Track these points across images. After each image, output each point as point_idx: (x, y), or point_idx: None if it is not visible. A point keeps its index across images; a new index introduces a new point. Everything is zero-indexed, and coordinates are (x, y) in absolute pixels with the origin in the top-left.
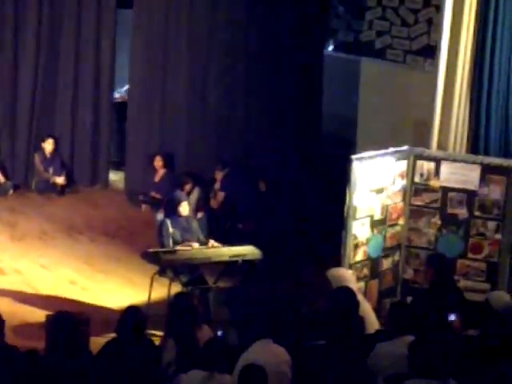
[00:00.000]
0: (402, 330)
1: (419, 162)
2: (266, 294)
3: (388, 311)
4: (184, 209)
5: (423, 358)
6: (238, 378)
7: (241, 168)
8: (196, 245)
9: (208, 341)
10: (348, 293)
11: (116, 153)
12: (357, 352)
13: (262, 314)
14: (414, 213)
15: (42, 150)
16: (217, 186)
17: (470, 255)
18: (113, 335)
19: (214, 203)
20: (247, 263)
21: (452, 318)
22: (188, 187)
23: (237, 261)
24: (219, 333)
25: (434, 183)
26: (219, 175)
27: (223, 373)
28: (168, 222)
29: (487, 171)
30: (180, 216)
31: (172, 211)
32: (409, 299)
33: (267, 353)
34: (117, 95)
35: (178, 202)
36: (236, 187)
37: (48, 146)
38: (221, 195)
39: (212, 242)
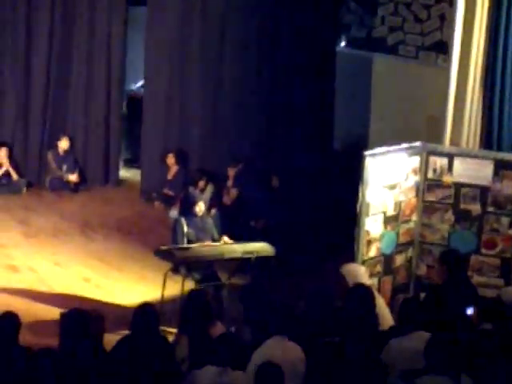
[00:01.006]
0: (412, 326)
1: (432, 158)
2: (279, 291)
3: (399, 307)
4: (200, 209)
5: (440, 354)
6: (254, 376)
7: (253, 165)
8: (210, 243)
9: (219, 336)
10: (365, 290)
11: (129, 150)
12: (371, 349)
13: (276, 310)
14: (427, 209)
15: (55, 148)
16: (229, 182)
17: (483, 251)
18: (126, 332)
19: (226, 200)
20: (260, 260)
21: (470, 311)
22: (202, 184)
23: (250, 258)
24: (232, 329)
25: (446, 179)
26: (232, 172)
27: (235, 369)
28: (183, 220)
29: (500, 167)
30: (195, 216)
31: (188, 210)
32: (422, 295)
33: (281, 349)
34: (130, 92)
35: (194, 202)
36: (248, 184)
37: (62, 144)
38: (234, 192)
39: (225, 239)
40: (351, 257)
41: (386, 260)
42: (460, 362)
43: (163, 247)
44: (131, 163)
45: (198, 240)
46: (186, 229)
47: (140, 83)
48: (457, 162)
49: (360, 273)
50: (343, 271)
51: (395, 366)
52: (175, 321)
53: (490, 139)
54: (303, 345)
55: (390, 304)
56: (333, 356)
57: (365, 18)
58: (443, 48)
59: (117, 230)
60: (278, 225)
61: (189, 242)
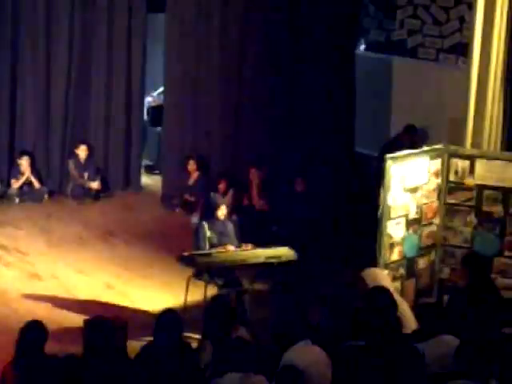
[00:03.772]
0: (432, 331)
1: (453, 160)
2: (303, 297)
3: (419, 313)
4: (222, 212)
5: (471, 359)
6: (275, 380)
7: (276, 170)
8: (232, 248)
9: (235, 339)
10: (384, 292)
11: (150, 157)
12: (395, 353)
13: (301, 315)
14: (450, 211)
15: (75, 156)
16: (254, 189)
17: (506, 253)
18: (150, 339)
19: (248, 203)
20: (283, 265)
21: None
22: (222, 187)
23: (272, 263)
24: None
25: (468, 181)
26: (255, 176)
27: (258, 374)
28: (205, 225)
29: None
30: (217, 220)
31: (210, 215)
32: (446, 298)
33: (307, 354)
34: (149, 99)
35: (216, 206)
36: (273, 191)
37: (81, 152)
38: (262, 203)
39: (246, 244)
40: (374, 261)
41: (409, 263)
42: (489, 367)
43: (185, 253)
44: (152, 170)
45: (220, 244)
46: (208, 233)
47: (159, 90)
48: (478, 164)
49: (380, 276)
50: (363, 275)
51: None
52: (199, 327)
53: (511, 140)
54: (328, 349)
55: (414, 307)
56: (358, 360)
57: (384, 21)
58: (463, 50)
59: (139, 237)
60: (300, 229)
61: (211, 246)
